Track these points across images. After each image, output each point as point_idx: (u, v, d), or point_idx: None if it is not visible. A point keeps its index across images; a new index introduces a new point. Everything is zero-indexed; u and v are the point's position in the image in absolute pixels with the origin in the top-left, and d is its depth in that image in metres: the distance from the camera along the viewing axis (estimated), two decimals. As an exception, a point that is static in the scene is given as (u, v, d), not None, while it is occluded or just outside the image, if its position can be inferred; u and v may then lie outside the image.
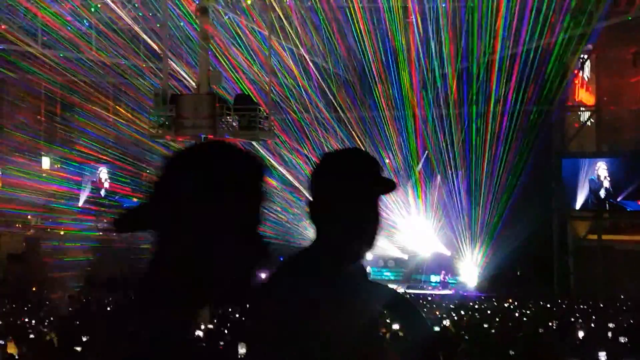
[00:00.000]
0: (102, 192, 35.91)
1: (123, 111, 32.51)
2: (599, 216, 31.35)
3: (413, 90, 32.33)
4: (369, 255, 25.12)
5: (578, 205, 31.72)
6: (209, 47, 20.44)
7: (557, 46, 28.89)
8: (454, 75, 31.32)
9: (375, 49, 31.33)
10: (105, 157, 34.26)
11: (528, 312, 19.82)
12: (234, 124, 20.25)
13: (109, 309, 20.81)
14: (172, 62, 23.36)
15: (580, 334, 11.97)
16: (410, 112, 32.66)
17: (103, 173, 36.19)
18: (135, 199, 36.03)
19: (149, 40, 27.43)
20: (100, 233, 35.23)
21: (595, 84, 33.48)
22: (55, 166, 35.95)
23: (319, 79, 31.76)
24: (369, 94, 32.77)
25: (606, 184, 31.12)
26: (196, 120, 19.43)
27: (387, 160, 34.16)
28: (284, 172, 32.38)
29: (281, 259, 2.49)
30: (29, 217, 35.33)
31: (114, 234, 35.98)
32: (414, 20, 30.25)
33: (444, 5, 29.23)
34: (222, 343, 10.38)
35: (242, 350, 9.10)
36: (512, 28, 28.60)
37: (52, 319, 15.56)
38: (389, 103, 32.71)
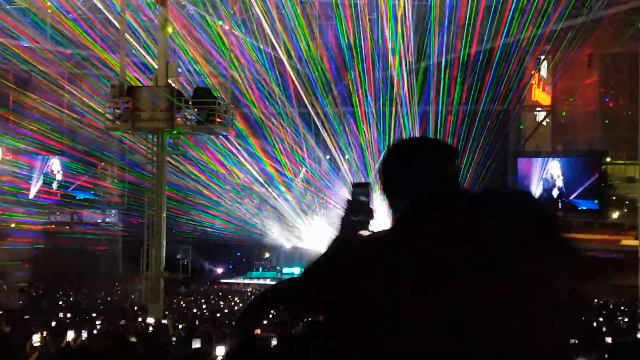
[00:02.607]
0: (55, 184, 35.13)
1: (78, 102, 31.88)
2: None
3: (373, 88, 32.42)
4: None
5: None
6: (167, 39, 20.15)
7: (514, 47, 29.23)
8: (414, 74, 31.50)
9: (336, 45, 31.35)
10: (59, 146, 33.50)
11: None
12: (193, 117, 20.01)
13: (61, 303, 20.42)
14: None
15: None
16: (371, 109, 32.74)
17: (55, 164, 35.29)
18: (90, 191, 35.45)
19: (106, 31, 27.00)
20: (52, 226, 34.63)
21: (552, 85, 34.00)
22: (6, 157, 35.04)
23: (282, 73, 31.66)
24: (330, 89, 32.76)
25: (559, 183, 31.62)
26: (153, 112, 19.14)
27: (346, 157, 34.23)
28: (248, 166, 32.27)
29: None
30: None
31: (66, 227, 35.37)
32: (375, 17, 30.32)
33: (404, 4, 29.34)
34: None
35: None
36: (471, 28, 28.85)
37: (1, 312, 15.19)
38: (348, 100, 32.76)
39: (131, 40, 24.09)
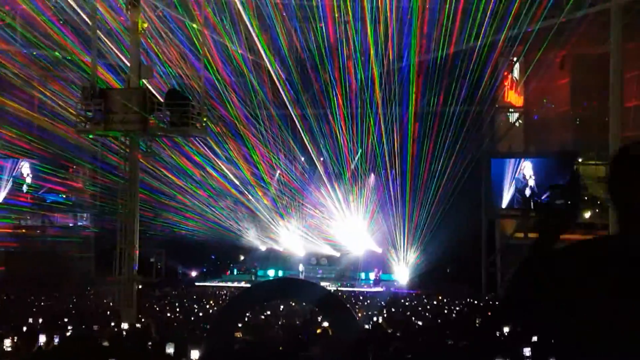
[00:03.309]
0: (25, 188, 34.60)
1: (49, 104, 31.47)
2: (526, 215, 32.10)
3: (347, 90, 32.46)
4: (302, 253, 24.94)
5: (504, 204, 32.39)
6: (140, 41, 19.96)
7: (487, 48, 29.43)
8: (390, 75, 31.59)
9: (311, 47, 31.33)
10: (29, 149, 33.00)
11: (456, 308, 20.13)
12: (166, 119, 19.84)
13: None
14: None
15: (506, 329, 12.17)
16: (345, 111, 32.77)
17: (25, 167, 34.74)
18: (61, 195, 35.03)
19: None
20: (23, 230, 34.13)
21: (524, 86, 34.27)
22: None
23: (255, 75, 31.57)
24: (304, 91, 32.73)
25: (531, 183, 31.89)
26: (125, 115, 18.95)
27: (321, 159, 34.23)
28: (223, 168, 32.13)
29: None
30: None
31: (37, 231, 34.87)
32: (350, 19, 30.35)
33: (378, 5, 29.40)
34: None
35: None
36: (445, 30, 28.99)
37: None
38: (322, 101, 32.75)
39: (107, 42, 23.87)
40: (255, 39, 29.70)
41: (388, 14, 29.19)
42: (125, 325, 13.22)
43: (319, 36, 30.61)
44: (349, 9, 29.42)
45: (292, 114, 32.48)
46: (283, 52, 31.21)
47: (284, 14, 30.04)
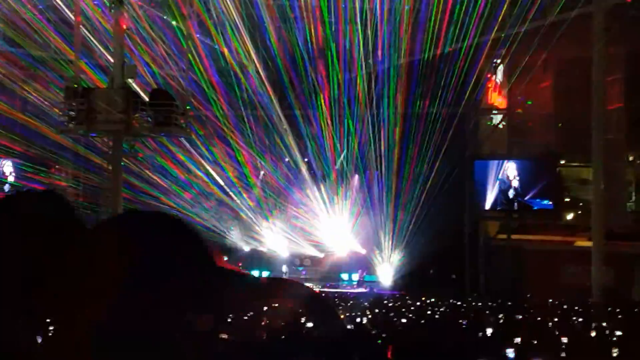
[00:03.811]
0: (7, 187, 34.34)
1: (33, 103, 31.23)
2: (509, 216, 32.28)
3: (331, 90, 32.50)
4: (285, 254, 24.88)
5: (488, 206, 32.55)
6: (123, 40, 19.89)
7: (472, 50, 29.57)
8: (374, 76, 31.67)
9: (293, 46, 31.33)
10: (13, 147, 32.73)
11: (440, 310, 20.17)
12: (150, 119, 19.79)
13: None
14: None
15: (489, 331, 12.23)
16: (329, 112, 32.80)
17: (7, 166, 34.52)
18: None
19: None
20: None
21: (507, 89, 34.45)
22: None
23: (239, 75, 31.53)
24: (287, 92, 32.72)
25: (515, 183, 32.07)
26: (109, 115, 18.88)
27: (305, 159, 34.23)
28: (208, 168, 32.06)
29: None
30: None
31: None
32: (333, 20, 30.39)
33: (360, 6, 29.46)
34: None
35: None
36: (429, 31, 29.10)
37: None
38: (307, 102, 32.76)
39: (94, 41, 23.74)
40: (243, 37, 29.65)
41: (370, 15, 29.28)
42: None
43: (307, 36, 30.61)
44: (333, 9, 29.48)
45: (278, 114, 32.48)
46: (270, 51, 31.17)
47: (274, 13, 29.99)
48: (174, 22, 27.16)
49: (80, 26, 21.10)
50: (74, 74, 19.86)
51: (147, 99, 20.10)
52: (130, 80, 20.06)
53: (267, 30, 30.13)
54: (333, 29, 30.48)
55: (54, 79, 28.57)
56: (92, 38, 25.00)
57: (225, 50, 30.34)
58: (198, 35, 28.24)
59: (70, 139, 26.25)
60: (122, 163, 19.86)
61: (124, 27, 19.70)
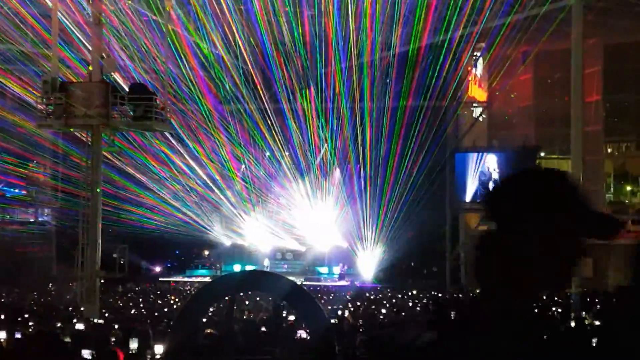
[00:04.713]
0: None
1: (9, 98, 30.85)
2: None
3: (313, 84, 32.46)
4: (267, 248, 24.91)
5: (468, 198, 32.72)
6: (102, 33, 19.68)
7: (451, 44, 29.64)
8: (353, 70, 31.65)
9: (274, 41, 31.23)
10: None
11: (421, 302, 20.26)
12: (128, 114, 19.62)
13: None
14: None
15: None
16: (310, 105, 32.77)
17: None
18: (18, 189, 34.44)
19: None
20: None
21: (487, 81, 34.62)
22: None
23: (219, 69, 31.38)
24: (269, 86, 32.63)
25: (495, 175, 32.27)
26: (88, 109, 18.68)
27: (286, 153, 34.18)
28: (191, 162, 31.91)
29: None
30: None
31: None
32: (314, 13, 30.31)
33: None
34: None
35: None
36: (410, 25, 29.13)
37: None
38: (288, 96, 32.69)
39: (76, 34, 23.42)
40: (228, 29, 29.46)
41: (356, 9, 29.25)
42: (87, 321, 13.05)
43: (295, 29, 30.48)
44: (318, 2, 29.40)
45: (261, 107, 32.41)
46: (259, 44, 31.00)
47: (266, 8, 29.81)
48: (154, 16, 26.93)
49: (59, 19, 20.85)
50: (51, 68, 19.63)
51: (126, 93, 19.93)
52: (112, 74, 19.86)
53: (257, 22, 29.87)
54: (316, 22, 30.38)
55: (33, 73, 28.24)
56: (72, 31, 24.72)
57: (209, 44, 30.15)
58: (179, 29, 28.05)
59: (48, 133, 26.00)
60: (101, 157, 19.70)
61: (103, 19, 19.50)
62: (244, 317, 14.23)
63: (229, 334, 9.03)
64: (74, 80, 21.64)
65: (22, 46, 29.27)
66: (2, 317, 13.86)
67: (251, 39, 31.02)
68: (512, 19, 27.95)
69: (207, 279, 31.59)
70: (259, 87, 32.34)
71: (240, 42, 30.69)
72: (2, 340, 9.57)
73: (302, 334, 8.98)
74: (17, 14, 27.53)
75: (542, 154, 33.54)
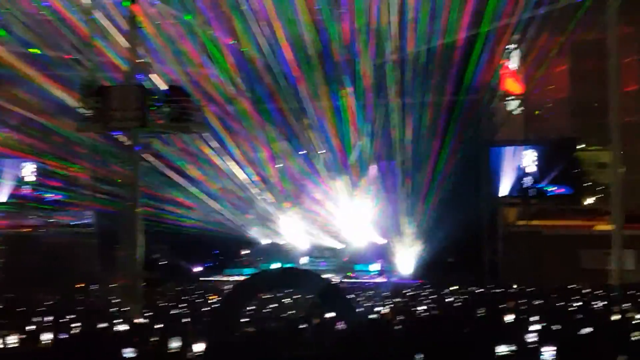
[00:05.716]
0: (26, 187, 34.67)
1: (51, 102, 31.45)
2: (527, 202, 32.16)
3: (346, 81, 32.52)
4: (305, 245, 25.04)
5: (505, 192, 32.44)
6: (137, 37, 20.00)
7: (485, 36, 29.43)
8: (387, 66, 31.61)
9: (305, 39, 31.33)
10: (32, 145, 33.05)
11: (459, 297, 20.19)
12: (165, 116, 19.90)
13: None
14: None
15: (509, 318, 12.23)
16: (343, 103, 32.81)
17: (27, 167, 34.84)
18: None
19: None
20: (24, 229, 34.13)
21: (523, 74, 34.24)
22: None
23: (251, 69, 31.60)
24: (299, 85, 32.73)
25: (532, 169, 31.95)
26: (124, 112, 19.01)
27: (322, 151, 34.27)
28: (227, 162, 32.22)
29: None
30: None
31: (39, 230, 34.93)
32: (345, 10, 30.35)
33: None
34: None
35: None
36: (443, 18, 29.00)
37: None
38: (321, 94, 32.76)
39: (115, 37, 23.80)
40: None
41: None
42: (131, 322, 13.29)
43: (328, 27, 30.57)
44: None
45: (297, 106, 32.58)
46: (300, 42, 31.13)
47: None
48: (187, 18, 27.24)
49: (96, 24, 21.27)
50: (90, 72, 20.06)
51: (163, 95, 20.20)
52: (150, 76, 20.20)
53: (296, 19, 29.99)
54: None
55: (72, 78, 28.73)
56: (108, 35, 25.11)
57: (247, 44, 30.32)
58: (216, 32, 28.31)
59: (88, 137, 26.44)
60: (139, 160, 20.01)
61: (139, 23, 19.81)
62: (281, 315, 14.35)
63: (267, 332, 9.14)
64: (111, 84, 22.03)
65: (62, 51, 29.81)
66: (47, 318, 14.19)
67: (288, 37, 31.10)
68: (548, 9, 27.64)
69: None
70: (296, 85, 32.45)
71: (278, 40, 30.81)
72: (48, 342, 9.80)
73: (339, 331, 9.06)
74: (58, 18, 28.04)
75: (581, 146, 33.10)
